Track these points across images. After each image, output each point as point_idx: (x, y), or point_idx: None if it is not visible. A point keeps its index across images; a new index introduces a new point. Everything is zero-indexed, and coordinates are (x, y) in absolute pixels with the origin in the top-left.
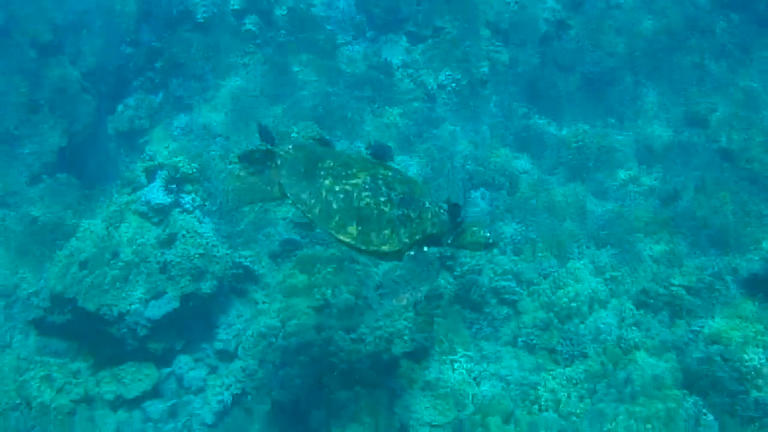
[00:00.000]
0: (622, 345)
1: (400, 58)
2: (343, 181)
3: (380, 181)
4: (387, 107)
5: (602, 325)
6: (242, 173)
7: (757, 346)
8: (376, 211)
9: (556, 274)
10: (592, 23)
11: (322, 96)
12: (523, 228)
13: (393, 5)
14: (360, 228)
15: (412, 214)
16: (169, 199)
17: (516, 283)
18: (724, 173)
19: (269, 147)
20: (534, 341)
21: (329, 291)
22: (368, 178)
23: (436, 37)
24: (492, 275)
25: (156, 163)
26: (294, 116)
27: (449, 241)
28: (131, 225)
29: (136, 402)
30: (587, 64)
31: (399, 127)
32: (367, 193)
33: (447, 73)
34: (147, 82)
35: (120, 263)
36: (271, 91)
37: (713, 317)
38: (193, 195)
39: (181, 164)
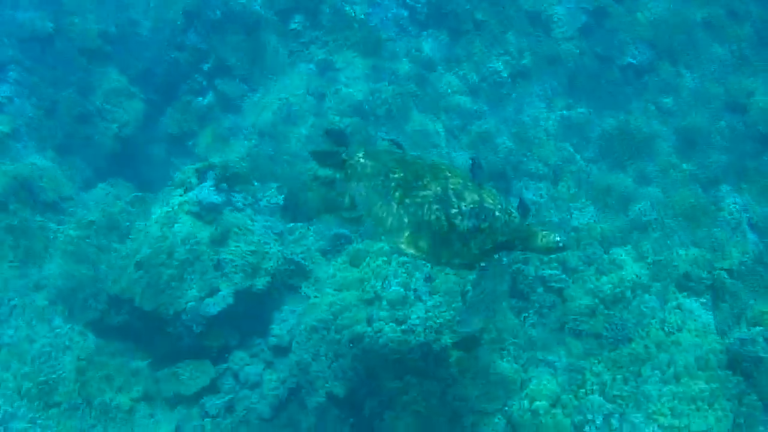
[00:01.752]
0: (665, 328)
1: (442, 53)
2: (414, 193)
3: (450, 192)
4: (429, 101)
5: (645, 309)
6: (314, 183)
7: None
8: (446, 224)
9: (599, 260)
10: (631, 14)
11: (366, 93)
12: (567, 216)
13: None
14: (431, 242)
15: (482, 225)
16: (221, 198)
17: (561, 271)
18: (762, 157)
19: (342, 155)
20: (580, 327)
21: (379, 284)
22: (439, 189)
23: (477, 31)
24: (538, 264)
25: (207, 163)
26: (340, 113)
27: (520, 247)
28: (184, 225)
29: (194, 399)
30: (627, 55)
31: (443, 121)
32: (437, 206)
33: (489, 65)
34: (195, 84)
35: (175, 262)
36: (316, 89)
37: (755, 299)
38: (243, 194)
39: (231, 164)
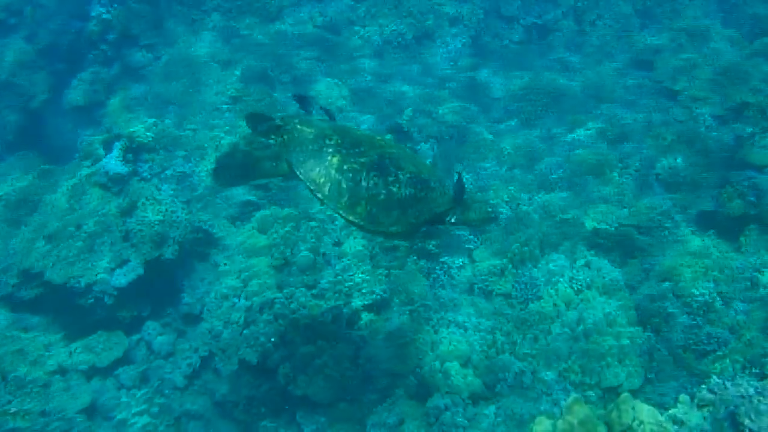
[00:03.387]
0: (574, 286)
1: (345, 16)
2: (352, 160)
3: (388, 161)
4: (335, 65)
5: (554, 268)
6: (248, 147)
7: (708, 281)
8: (384, 192)
9: (507, 220)
10: None
11: (272, 58)
12: (475, 177)
13: None
14: (369, 208)
15: (419, 195)
16: (127, 169)
17: (470, 232)
18: (670, 113)
19: (277, 120)
20: (490, 287)
21: (288, 250)
22: (376, 156)
23: None
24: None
25: (112, 134)
26: (245, 80)
27: (453, 220)
28: (92, 196)
29: (108, 370)
30: (531, 15)
31: (349, 85)
32: (375, 173)
33: (392, 28)
34: (100, 54)
35: (84, 234)
36: (221, 56)
37: (664, 255)
38: (150, 163)
39: (136, 134)
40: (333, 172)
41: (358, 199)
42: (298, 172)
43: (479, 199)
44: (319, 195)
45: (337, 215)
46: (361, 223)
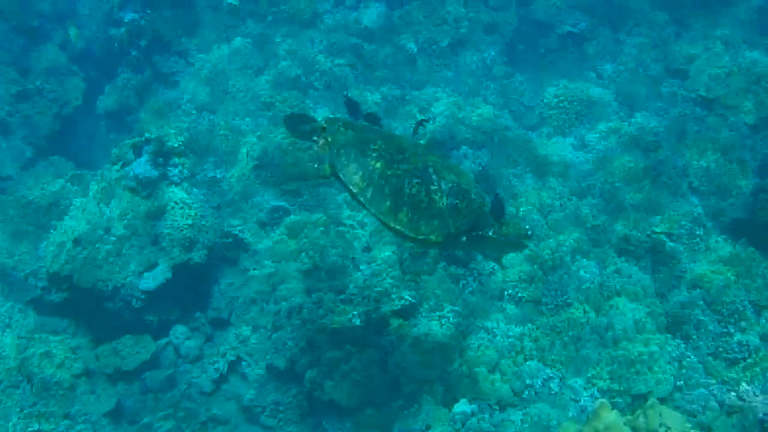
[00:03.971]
0: (604, 292)
1: (380, 23)
2: (395, 166)
3: (431, 169)
4: (368, 73)
5: (585, 274)
6: (291, 147)
7: (739, 289)
8: (426, 200)
9: (539, 226)
10: None
11: (305, 65)
12: (507, 184)
13: None
14: (411, 215)
15: (460, 205)
16: (157, 173)
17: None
18: (704, 122)
19: (321, 122)
20: (519, 294)
21: (317, 254)
22: (420, 164)
23: (416, 0)
24: None
25: (143, 138)
26: (278, 86)
27: (491, 233)
28: (122, 200)
29: (135, 374)
30: (566, 24)
31: (382, 92)
32: (417, 180)
33: (427, 36)
34: (133, 61)
35: (112, 238)
36: (254, 63)
37: (695, 262)
38: (180, 167)
39: (166, 138)
40: (377, 176)
41: (400, 205)
42: (341, 174)
43: (515, 216)
44: (362, 199)
45: (375, 220)
46: (402, 229)
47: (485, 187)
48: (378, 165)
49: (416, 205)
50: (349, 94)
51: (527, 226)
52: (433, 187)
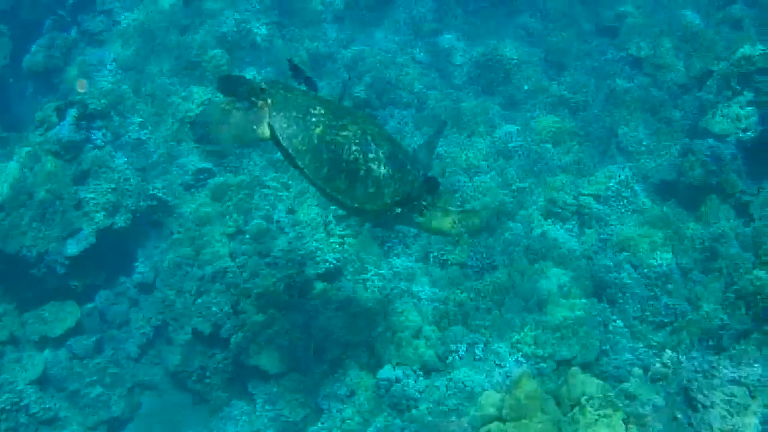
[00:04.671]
0: (530, 256)
1: None
2: (335, 132)
3: (369, 137)
4: (297, 30)
5: (510, 237)
6: (228, 107)
7: (666, 252)
8: (364, 168)
9: (464, 188)
10: None
11: (231, 23)
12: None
13: None
14: (347, 183)
15: (396, 175)
16: (80, 136)
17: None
18: (633, 81)
19: (261, 84)
20: (445, 257)
21: (241, 217)
22: (359, 131)
23: None
24: None
25: (66, 101)
26: (204, 46)
27: (424, 204)
28: (45, 164)
29: (61, 340)
30: None
31: (309, 50)
32: (356, 148)
33: None
34: (58, 20)
35: (35, 203)
36: (181, 21)
37: (622, 225)
38: (103, 130)
39: (90, 100)
40: (316, 141)
41: (338, 171)
42: (280, 137)
43: (448, 191)
44: (300, 163)
45: (309, 185)
46: (338, 196)
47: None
48: (317, 130)
49: (354, 172)
50: (294, 60)
51: (458, 203)
52: (371, 156)
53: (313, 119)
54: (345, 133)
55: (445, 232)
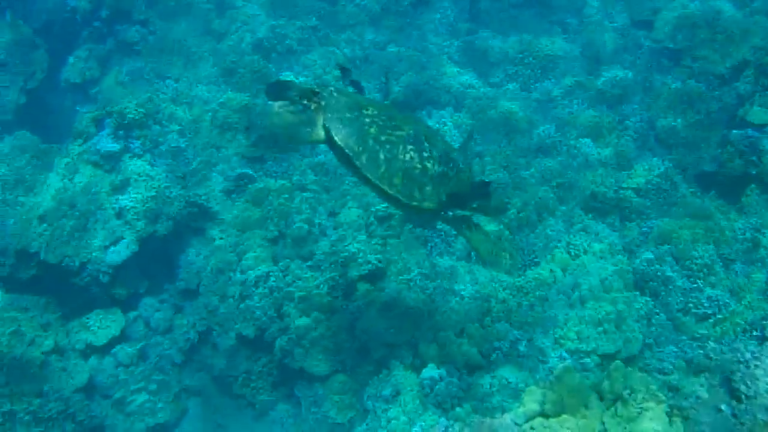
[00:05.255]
0: (571, 251)
1: None
2: (389, 132)
3: (422, 137)
4: (332, 35)
5: (551, 233)
6: (281, 110)
7: (708, 243)
8: (419, 166)
9: (504, 185)
10: None
11: (266, 29)
12: (472, 143)
13: None
14: (405, 181)
15: (450, 173)
16: (119, 146)
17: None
18: (670, 73)
19: (312, 86)
20: None
21: (282, 221)
22: (412, 131)
23: None
24: None
25: (103, 111)
26: (240, 52)
27: (474, 205)
28: (84, 175)
29: (106, 348)
30: None
31: (346, 54)
32: (411, 147)
33: None
34: (95, 32)
35: (77, 213)
36: (216, 29)
37: (663, 217)
38: (142, 139)
39: (127, 110)
40: (371, 142)
41: (395, 170)
42: (336, 138)
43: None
44: (357, 163)
45: (362, 185)
46: (398, 195)
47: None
48: (372, 130)
49: (409, 171)
50: (342, 62)
51: (506, 200)
52: (425, 155)
53: (367, 120)
54: (399, 132)
55: (482, 255)
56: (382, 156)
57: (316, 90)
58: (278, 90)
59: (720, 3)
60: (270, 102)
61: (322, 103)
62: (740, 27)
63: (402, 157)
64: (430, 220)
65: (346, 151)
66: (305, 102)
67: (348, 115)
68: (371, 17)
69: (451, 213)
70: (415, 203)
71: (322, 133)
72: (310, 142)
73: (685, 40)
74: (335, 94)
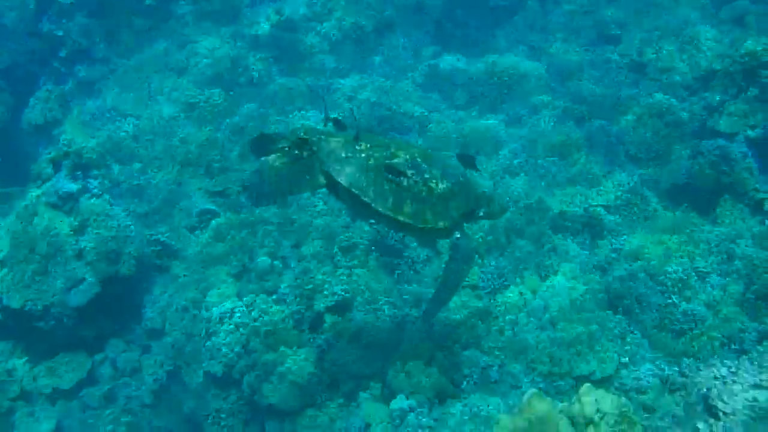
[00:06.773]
0: (541, 272)
1: (302, 12)
2: (387, 162)
3: (419, 159)
4: (293, 64)
5: (520, 255)
6: (278, 163)
7: (682, 257)
8: (425, 189)
9: None
10: None
11: (227, 61)
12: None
13: None
14: (414, 206)
15: (455, 189)
16: (77, 186)
17: None
18: (638, 86)
19: (300, 133)
20: None
21: (246, 256)
22: (407, 156)
23: None
24: None
25: (60, 152)
26: (200, 85)
27: (481, 213)
28: (43, 217)
29: (73, 392)
30: None
31: (308, 83)
32: (412, 171)
33: (351, 20)
34: (54, 72)
35: (37, 257)
36: (176, 64)
37: (634, 233)
38: (100, 179)
39: (84, 150)
40: (373, 175)
41: (401, 198)
42: (340, 180)
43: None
44: (366, 199)
45: (378, 219)
46: (410, 222)
47: None
48: (371, 163)
49: (417, 195)
50: (325, 98)
51: (507, 199)
52: (427, 176)
53: (362, 155)
54: (396, 160)
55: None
56: (386, 187)
57: (305, 137)
58: (263, 144)
59: (686, 12)
60: (264, 158)
61: (314, 149)
62: (707, 36)
63: (406, 183)
64: (444, 237)
65: (353, 191)
66: (296, 152)
67: (343, 155)
68: (332, 45)
69: (461, 229)
70: (429, 225)
71: (322, 179)
72: (313, 188)
73: (651, 53)
74: (324, 137)
